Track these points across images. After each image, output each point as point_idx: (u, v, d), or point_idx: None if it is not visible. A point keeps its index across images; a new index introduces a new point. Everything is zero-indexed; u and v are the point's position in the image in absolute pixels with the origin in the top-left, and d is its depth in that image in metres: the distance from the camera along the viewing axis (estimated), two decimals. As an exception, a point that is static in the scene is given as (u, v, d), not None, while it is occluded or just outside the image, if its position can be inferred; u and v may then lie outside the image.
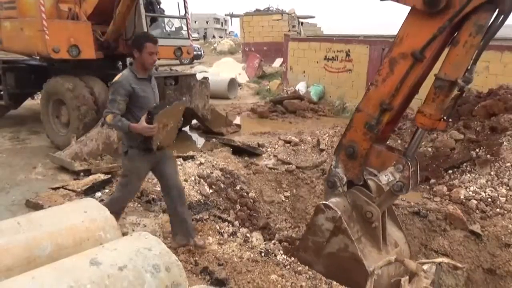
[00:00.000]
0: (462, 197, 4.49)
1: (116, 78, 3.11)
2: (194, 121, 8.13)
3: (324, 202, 3.24)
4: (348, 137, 3.18)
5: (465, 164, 5.00)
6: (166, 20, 7.72)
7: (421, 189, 4.83)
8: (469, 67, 2.72)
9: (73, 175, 5.10)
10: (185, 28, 7.92)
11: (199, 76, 7.75)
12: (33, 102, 9.22)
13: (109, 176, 4.92)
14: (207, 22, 71.37)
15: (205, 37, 54.65)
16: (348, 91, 10.84)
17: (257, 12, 20.96)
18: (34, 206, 4.15)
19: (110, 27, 6.46)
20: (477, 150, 5.03)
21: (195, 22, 72.54)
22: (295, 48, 12.73)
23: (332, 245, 3.22)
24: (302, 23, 21.41)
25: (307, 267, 3.30)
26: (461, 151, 5.22)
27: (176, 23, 7.91)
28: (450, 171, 5.02)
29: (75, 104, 6.00)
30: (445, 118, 2.89)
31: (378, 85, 3.01)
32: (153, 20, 7.45)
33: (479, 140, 5.18)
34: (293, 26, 19.77)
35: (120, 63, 7.89)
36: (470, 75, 2.71)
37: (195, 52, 24.66)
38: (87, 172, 5.01)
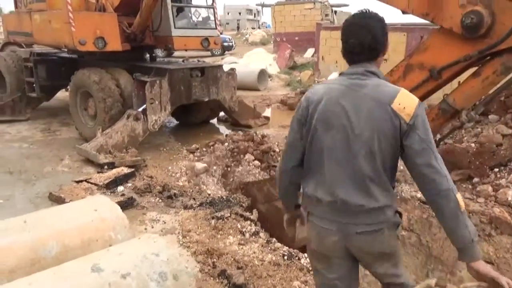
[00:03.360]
0: (509, 198, 4.05)
1: None
2: (221, 113, 7.97)
3: None
4: None
5: (513, 161, 4.53)
6: (193, 10, 7.55)
7: (463, 188, 4.42)
8: (478, 104, 2.67)
9: (98, 168, 5.06)
10: (212, 18, 7.72)
11: (228, 67, 7.55)
12: (66, 94, 9.35)
13: (133, 169, 4.84)
14: (239, 14, 71.16)
15: (238, 28, 54.50)
16: (383, 81, 10.30)
17: (289, 1, 20.47)
18: (56, 199, 4.12)
19: (137, 19, 6.39)
20: (528, 146, 4.54)
21: (228, 13, 72.59)
22: (327, 37, 12.27)
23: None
24: (335, 11, 20.74)
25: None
26: (509, 147, 4.73)
27: (203, 13, 7.72)
28: (496, 170, 4.56)
29: (101, 96, 5.98)
30: (436, 139, 2.95)
31: None
32: (180, 10, 7.30)
33: (529, 135, 4.68)
34: (326, 15, 19.15)
35: (148, 55, 7.85)
36: (475, 115, 2.66)
37: (226, 43, 24.64)
38: (111, 165, 4.96)
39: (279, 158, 5.08)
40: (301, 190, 1.89)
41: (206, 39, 7.41)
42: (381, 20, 1.71)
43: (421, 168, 1.60)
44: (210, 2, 7.70)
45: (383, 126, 1.61)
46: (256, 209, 3.93)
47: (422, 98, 2.89)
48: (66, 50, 7.46)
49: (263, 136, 6.07)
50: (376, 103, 1.63)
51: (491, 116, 5.31)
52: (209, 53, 21.59)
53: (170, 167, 5.12)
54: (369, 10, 1.73)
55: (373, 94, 1.64)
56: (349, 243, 1.73)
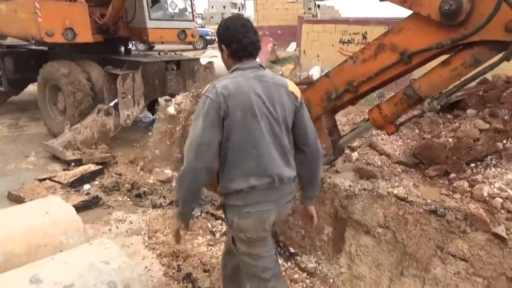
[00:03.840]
0: (485, 194, 3.99)
1: None
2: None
3: None
4: (307, 95, 3.13)
5: (490, 157, 4.47)
6: (169, 1, 7.32)
7: (440, 184, 4.35)
8: (441, 93, 2.63)
9: (65, 165, 4.84)
10: (189, 9, 7.51)
11: (208, 61, 7.37)
12: (36, 88, 9.05)
13: (101, 167, 4.63)
14: (224, 7, 70.59)
15: (222, 21, 53.91)
16: (364, 76, 10.27)
17: (272, -6, 20.25)
18: (15, 199, 3.90)
19: (109, 10, 6.15)
20: (504, 141, 4.49)
21: (212, 7, 71.99)
22: (309, 31, 12.15)
23: None
24: (319, 5, 20.63)
25: (304, 275, 2.93)
26: (486, 142, 4.69)
27: (180, 4, 7.49)
28: (473, 165, 4.50)
29: (70, 90, 5.73)
30: (396, 123, 2.93)
31: (356, 63, 2.88)
32: (155, 1, 7.07)
33: (507, 130, 4.63)
34: (309, 9, 19.03)
35: (123, 47, 7.60)
36: (437, 105, 2.63)
37: (208, 37, 24.32)
38: (78, 162, 4.75)
39: None
40: (224, 187, 1.95)
41: (183, 31, 7.21)
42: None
43: (308, 134, 2.05)
44: (187, -7, 7.50)
45: (289, 106, 1.99)
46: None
47: (390, 81, 2.91)
48: (33, 42, 7.14)
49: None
50: (280, 88, 1.98)
51: (469, 111, 5.26)
52: (191, 46, 21.29)
53: (142, 164, 4.93)
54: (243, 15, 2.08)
55: (275, 82, 1.99)
56: (279, 215, 2.02)
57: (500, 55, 2.39)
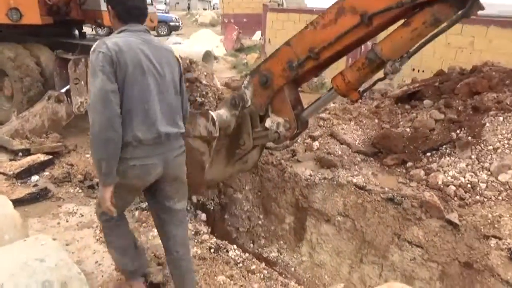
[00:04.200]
0: (440, 182, 4.11)
1: None
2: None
3: (214, 113, 3.22)
4: (268, 65, 3.07)
5: (444, 146, 4.61)
6: (126, -17, 6.97)
7: (397, 172, 4.44)
8: (403, 56, 2.58)
9: (12, 155, 4.52)
10: (148, -8, 7.19)
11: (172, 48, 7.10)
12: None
13: (51, 157, 4.36)
14: (190, -7, 68.96)
15: (188, 8, 52.72)
16: (328, 66, 10.35)
17: (237, -19, 19.96)
18: (-47, 192, 3.59)
19: None
20: (458, 131, 4.63)
21: (178, -8, 70.12)
22: (274, 20, 12.05)
23: (194, 141, 3.33)
24: (284, -5, 20.55)
25: (262, 266, 2.88)
26: (441, 132, 4.82)
27: (138, -14, 7.15)
28: (429, 154, 4.62)
29: (17, 75, 5.34)
30: (360, 90, 2.88)
31: (316, 29, 2.79)
32: (111, -18, 6.70)
33: (460, 121, 4.78)
34: (275, -2, 18.93)
35: (77, 31, 7.18)
36: (400, 66, 2.58)
37: (172, 23, 23.69)
38: (26, 152, 4.44)
39: (205, 92, 4.80)
40: None
41: (141, 15, 6.89)
42: None
43: (185, 98, 2.30)
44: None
45: (176, 69, 2.16)
46: None
47: (352, 47, 2.82)
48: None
49: (191, 62, 5.29)
50: (167, 51, 2.16)
51: (426, 101, 5.39)
52: (154, 32, 20.63)
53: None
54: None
55: (162, 46, 2.15)
56: (167, 169, 2.11)
57: (459, 13, 2.39)
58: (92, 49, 1.95)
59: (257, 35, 16.85)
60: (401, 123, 5.41)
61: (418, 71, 8.29)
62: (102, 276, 2.63)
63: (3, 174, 3.86)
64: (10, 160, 4.35)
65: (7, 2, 5.29)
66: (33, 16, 5.55)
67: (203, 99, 4.81)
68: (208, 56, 11.91)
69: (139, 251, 2.47)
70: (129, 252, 2.35)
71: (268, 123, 3.15)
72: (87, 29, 8.29)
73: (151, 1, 7.18)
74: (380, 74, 2.75)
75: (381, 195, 4.08)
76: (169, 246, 2.34)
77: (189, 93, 4.75)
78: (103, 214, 2.15)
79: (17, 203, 3.27)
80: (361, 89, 2.97)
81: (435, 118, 5.09)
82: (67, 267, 1.73)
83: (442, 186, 4.07)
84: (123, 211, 2.31)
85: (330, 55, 2.79)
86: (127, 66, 1.90)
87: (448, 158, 4.39)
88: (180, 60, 2.22)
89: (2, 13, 5.25)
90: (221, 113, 3.28)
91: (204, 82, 5.05)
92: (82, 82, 5.35)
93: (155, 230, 3.19)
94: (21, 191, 3.54)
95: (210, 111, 3.27)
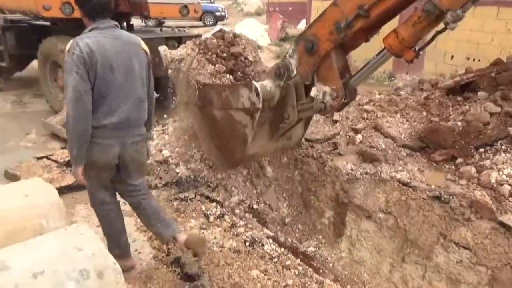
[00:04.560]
0: (493, 181, 3.82)
1: None
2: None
3: (258, 84, 3.09)
4: (314, 30, 2.90)
5: (500, 142, 4.27)
6: (171, -26, 7.07)
7: (446, 169, 4.17)
8: (468, 3, 2.34)
9: (64, 144, 4.79)
10: (192, -16, 7.25)
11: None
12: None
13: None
14: (236, -17, 69.06)
15: (235, -3, 52.86)
16: (375, 55, 9.94)
17: (283, -31, 19.64)
18: (11, 177, 3.87)
19: None
20: (516, 125, 4.28)
21: (224, -18, 70.47)
22: (319, 7, 11.74)
23: (236, 113, 3.25)
24: (332, -19, 20.00)
25: (297, 262, 2.84)
26: (497, 126, 4.47)
27: (183, -22, 7.23)
28: (482, 150, 4.30)
29: (69, 67, 5.61)
30: (416, 48, 2.62)
31: None
32: (157, -25, 6.83)
33: (519, 114, 4.42)
34: (322, -16, 18.45)
35: (125, 23, 7.41)
36: (462, 13, 2.33)
37: (218, 13, 23.84)
38: (77, 141, 4.68)
39: (247, 69, 4.68)
40: None
41: (185, 6, 6.97)
42: None
43: (150, 85, 2.54)
44: (190, -34, 7.22)
45: (143, 61, 2.43)
46: (212, 114, 3.72)
47: (405, 3, 2.61)
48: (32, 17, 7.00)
49: (235, 36, 5.16)
50: (135, 45, 2.41)
51: (480, 93, 5.02)
52: (201, 23, 20.90)
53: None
54: None
55: (130, 40, 2.40)
56: (124, 151, 2.43)
57: None
58: (66, 49, 2.25)
59: (302, 23, 16.54)
60: (452, 116, 5.08)
61: (474, 60, 7.74)
62: (141, 264, 2.72)
63: (55, 161, 4.09)
64: (62, 148, 4.60)
65: None
66: None
67: (246, 73, 4.69)
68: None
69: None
70: (113, 239, 2.61)
71: (313, 92, 2.97)
72: (136, 21, 8.54)
73: (195, -8, 7.19)
74: (438, 27, 2.53)
75: (427, 192, 3.87)
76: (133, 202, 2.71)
77: (233, 68, 4.58)
78: (93, 200, 2.56)
79: (67, 190, 3.46)
80: (417, 47, 2.68)
81: (490, 111, 4.73)
82: (103, 257, 1.79)
83: (495, 185, 3.78)
84: (102, 186, 2.57)
85: (381, 11, 2.58)
86: (97, 65, 2.20)
87: (503, 155, 4.07)
88: (147, 52, 2.50)
89: (56, 7, 5.52)
90: (265, 84, 3.14)
91: (248, 57, 4.94)
92: (128, 73, 5.53)
93: (192, 220, 3.25)
94: (71, 178, 3.74)
95: (253, 82, 3.16)
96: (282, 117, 3.25)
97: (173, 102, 5.59)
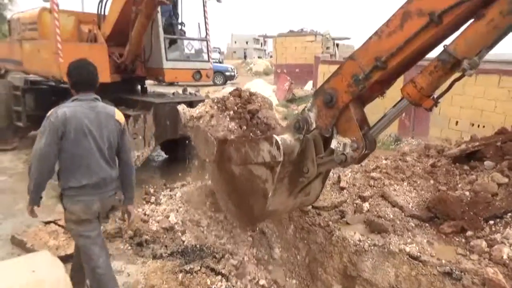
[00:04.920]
0: (505, 256, 3.73)
1: None
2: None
3: (278, 137, 3.12)
4: (332, 83, 2.96)
5: (510, 214, 4.23)
6: (185, 42, 7.50)
7: (456, 242, 4.10)
8: (482, 51, 2.36)
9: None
10: (205, 50, 7.66)
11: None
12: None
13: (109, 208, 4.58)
14: (246, 43, 72.53)
15: (245, 57, 55.45)
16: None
17: (291, 33, 20.72)
18: (18, 243, 3.87)
19: (127, 47, 6.29)
20: (526, 197, 4.25)
21: (235, 42, 74.05)
22: (326, 71, 12.21)
23: (256, 168, 3.28)
24: (337, 44, 20.93)
25: None
26: (506, 198, 4.44)
27: (196, 45, 7.66)
28: (492, 222, 4.25)
29: (83, 130, 5.80)
30: (434, 97, 2.65)
31: (381, 37, 2.68)
32: (172, 42, 7.25)
33: (527, 186, 4.40)
34: (327, 48, 19.33)
35: (139, 86, 7.75)
36: (479, 60, 2.36)
37: (228, 73, 24.80)
38: (85, 204, 4.71)
39: (263, 126, 4.80)
40: (63, 184, 2.75)
41: (198, 71, 7.32)
42: (93, 64, 2.83)
43: (126, 151, 2.94)
44: (203, 34, 7.67)
45: (113, 129, 2.80)
46: (230, 170, 3.72)
47: (421, 53, 2.68)
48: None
49: (251, 94, 5.35)
50: (109, 115, 2.80)
51: (486, 163, 5.05)
52: (211, 82, 21.70)
53: (147, 207, 4.87)
54: (85, 59, 2.86)
55: (104, 111, 2.79)
56: (103, 205, 2.85)
57: None
58: (48, 113, 2.64)
59: (309, 85, 17.10)
60: (459, 185, 5.08)
61: (478, 126, 7.87)
62: None
63: (63, 227, 4.09)
64: (70, 211, 4.62)
65: None
66: (104, 75, 6.08)
67: (263, 128, 4.79)
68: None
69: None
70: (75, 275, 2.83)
71: (334, 144, 2.98)
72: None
73: (208, 59, 7.58)
74: (454, 76, 2.59)
75: (437, 267, 3.78)
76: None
77: (249, 124, 4.75)
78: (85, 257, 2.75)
79: (72, 257, 3.43)
80: (435, 95, 2.71)
81: (498, 181, 4.73)
82: None
83: (507, 261, 3.69)
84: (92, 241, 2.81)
85: (398, 63, 2.65)
86: (71, 131, 2.58)
87: (514, 229, 4.01)
88: (120, 121, 2.88)
89: None
90: (285, 137, 3.15)
91: (264, 113, 5.06)
92: (140, 137, 5.70)
93: (197, 294, 3.18)
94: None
95: (273, 135, 3.18)
96: (301, 172, 3.23)
97: (190, 161, 5.70)
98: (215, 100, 4.80)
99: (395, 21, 2.61)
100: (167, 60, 6.87)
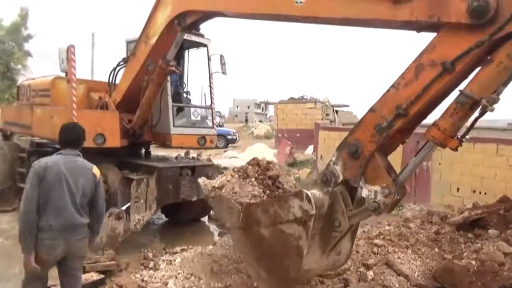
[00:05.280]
0: (518, 331, 3.57)
1: None
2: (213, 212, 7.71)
3: (308, 192, 3.09)
4: (355, 135, 3.05)
5: (518, 285, 4.11)
6: (192, 109, 7.79)
7: (465, 315, 3.94)
8: (497, 89, 2.51)
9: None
10: (210, 117, 7.94)
11: (227, 162, 7.52)
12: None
13: (103, 276, 4.46)
14: (248, 107, 74.81)
15: (246, 120, 56.97)
16: (382, 183, 10.16)
17: (291, 100, 21.46)
18: (10, 310, 3.72)
19: (137, 113, 6.48)
20: (533, 267, 4.16)
21: (237, 106, 76.35)
22: (326, 137, 12.49)
23: (288, 226, 3.22)
24: (337, 111, 21.56)
25: None
26: (512, 267, 4.35)
27: (202, 112, 7.96)
28: (501, 293, 4.12)
29: (86, 193, 5.83)
30: (458, 136, 2.73)
31: (399, 89, 2.84)
32: (180, 109, 7.54)
33: (534, 256, 4.33)
34: (327, 114, 19.88)
35: (144, 150, 7.90)
36: (497, 96, 2.50)
37: (230, 137, 25.32)
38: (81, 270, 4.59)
39: (285, 187, 4.81)
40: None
41: (203, 137, 7.52)
42: (83, 128, 3.35)
43: (98, 201, 3.25)
44: (208, 102, 7.99)
45: (89, 181, 3.16)
46: (258, 234, 3.60)
47: (439, 99, 2.80)
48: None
49: (268, 162, 5.39)
50: (86, 168, 3.19)
51: (491, 231, 5.01)
52: (213, 145, 22.05)
53: (145, 272, 4.73)
54: (77, 123, 3.66)
55: (83, 165, 3.20)
56: (70, 248, 3.05)
57: None
58: (34, 162, 3.06)
59: (310, 149, 17.33)
60: (465, 254, 4.99)
61: (480, 193, 7.87)
62: None
63: (57, 293, 3.96)
64: (66, 277, 4.49)
65: (95, 128, 6.03)
66: (114, 140, 6.24)
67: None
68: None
69: None
70: None
71: (364, 193, 2.99)
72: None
73: (213, 125, 7.83)
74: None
75: None
76: None
77: (272, 189, 4.76)
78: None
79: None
80: (458, 135, 2.78)
81: (504, 251, 4.66)
82: None
83: (521, 337, 3.53)
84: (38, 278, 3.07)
85: (418, 109, 2.76)
86: (49, 178, 2.94)
87: (524, 302, 3.88)
88: (96, 175, 3.22)
89: (89, 139, 5.91)
90: (314, 192, 3.14)
91: (283, 179, 5.11)
92: (142, 201, 5.70)
93: None
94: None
95: (303, 190, 3.16)
96: (332, 226, 3.20)
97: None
98: (235, 169, 4.90)
99: (410, 74, 2.81)
100: (174, 126, 7.09)
